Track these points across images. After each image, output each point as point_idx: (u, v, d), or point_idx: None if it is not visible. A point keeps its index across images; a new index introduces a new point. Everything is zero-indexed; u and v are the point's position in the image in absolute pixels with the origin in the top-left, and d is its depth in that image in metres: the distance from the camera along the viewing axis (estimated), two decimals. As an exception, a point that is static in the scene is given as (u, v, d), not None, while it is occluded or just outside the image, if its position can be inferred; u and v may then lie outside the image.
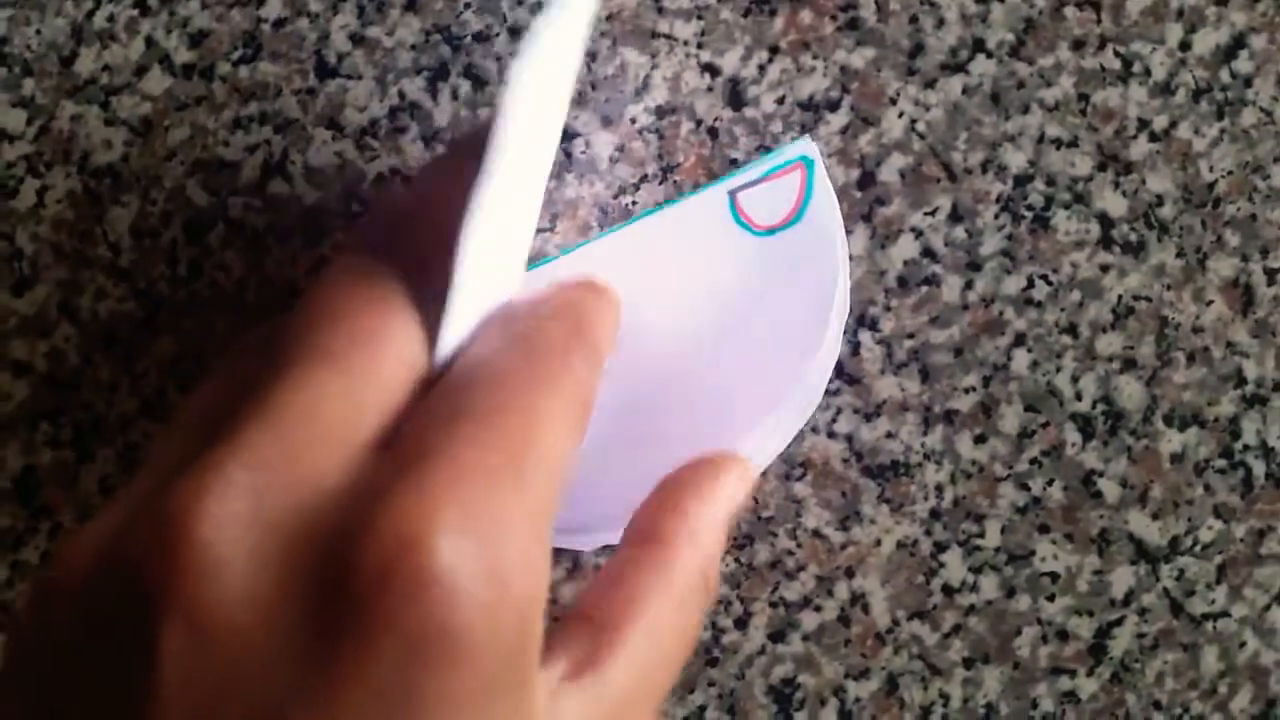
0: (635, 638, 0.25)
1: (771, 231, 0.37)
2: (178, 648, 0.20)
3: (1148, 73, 0.40)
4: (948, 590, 0.40)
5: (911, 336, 0.39)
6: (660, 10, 0.39)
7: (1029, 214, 0.39)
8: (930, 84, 0.39)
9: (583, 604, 0.26)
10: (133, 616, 0.21)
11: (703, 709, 0.40)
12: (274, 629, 0.20)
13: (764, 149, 0.39)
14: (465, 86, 0.39)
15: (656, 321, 0.37)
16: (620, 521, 0.35)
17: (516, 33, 0.39)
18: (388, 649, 0.21)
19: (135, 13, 0.39)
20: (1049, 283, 0.39)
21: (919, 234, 0.39)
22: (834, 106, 0.39)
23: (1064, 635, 0.40)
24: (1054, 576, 0.40)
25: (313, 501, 0.21)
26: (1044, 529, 0.40)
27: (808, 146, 0.37)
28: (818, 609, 0.40)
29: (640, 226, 0.37)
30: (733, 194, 0.37)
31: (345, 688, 0.20)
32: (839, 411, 0.39)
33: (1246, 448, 0.40)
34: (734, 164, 0.39)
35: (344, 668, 0.20)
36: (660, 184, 0.39)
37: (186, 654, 0.20)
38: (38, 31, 0.39)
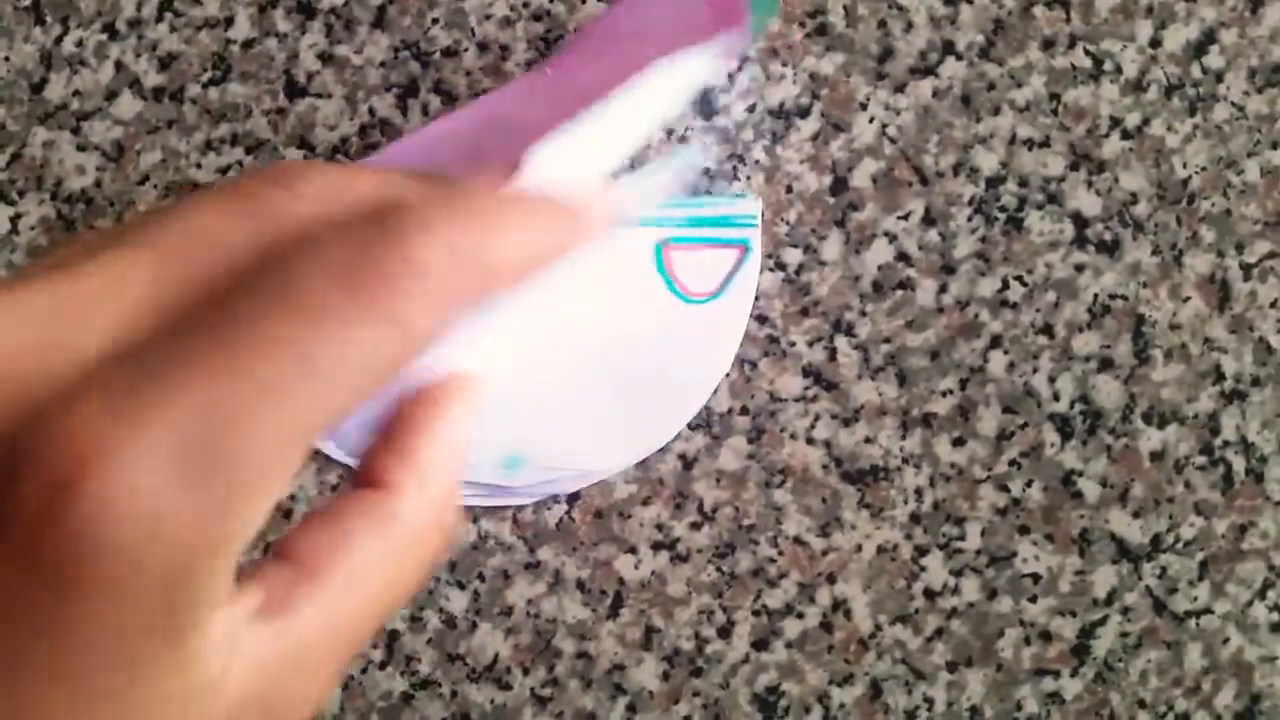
0: (335, 583, 0.23)
1: (694, 299, 0.38)
2: None
3: (1119, 70, 0.39)
4: (929, 594, 0.40)
5: (888, 341, 0.39)
6: (628, 21, 0.39)
7: (1002, 215, 0.39)
8: (900, 88, 0.39)
9: (290, 542, 0.24)
10: None
11: (688, 719, 0.40)
12: None
13: (736, 158, 0.39)
14: (435, 102, 0.39)
15: (556, 332, 0.38)
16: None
17: (485, 47, 0.39)
18: (21, 568, 0.20)
19: (104, 37, 0.39)
20: (1024, 284, 0.39)
21: (892, 238, 0.39)
22: (804, 113, 0.39)
23: (1047, 636, 0.40)
24: (1036, 578, 0.40)
25: (42, 382, 0.20)
26: (1024, 530, 0.40)
27: (752, 230, 0.38)
28: (800, 616, 0.40)
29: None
30: (664, 246, 0.38)
31: None
32: (817, 418, 0.39)
33: (1226, 444, 0.40)
34: (705, 172, 0.39)
35: None
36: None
37: None
38: (6, 58, 0.39)
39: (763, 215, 0.39)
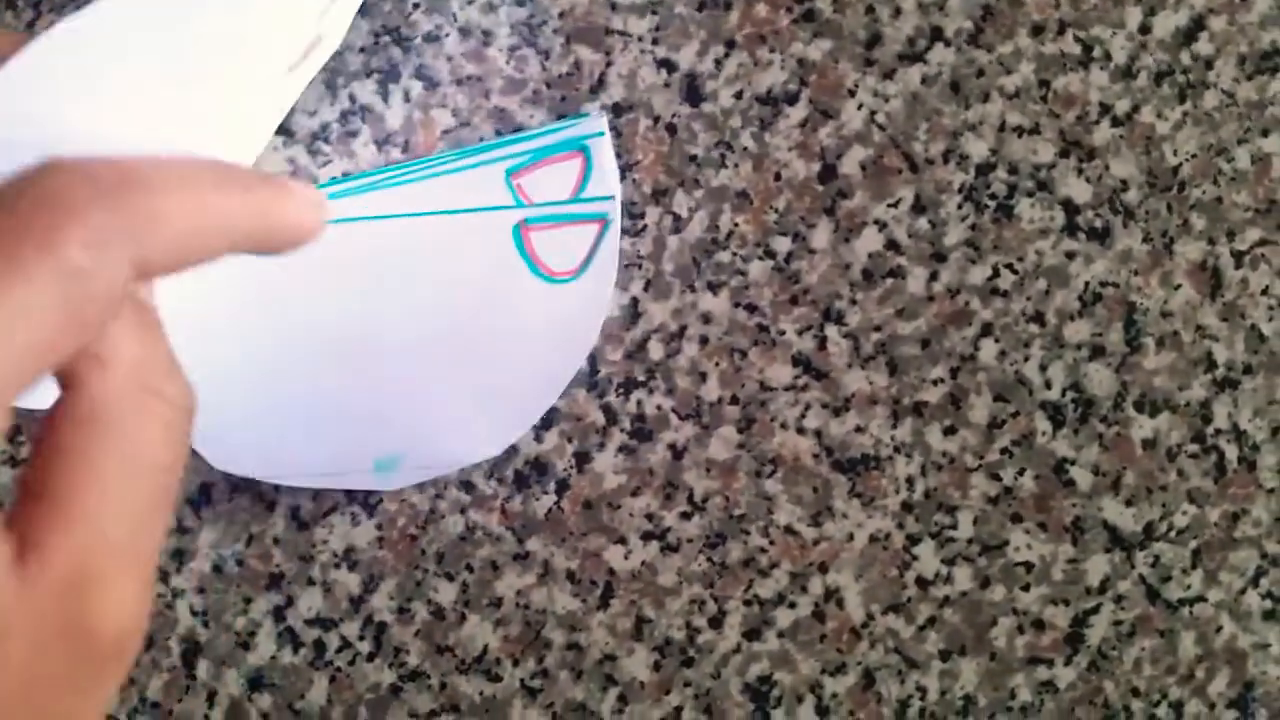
0: (76, 498, 0.23)
1: (558, 279, 0.38)
2: None
3: (1108, 57, 0.39)
4: (922, 583, 0.39)
5: (878, 329, 0.39)
6: (614, 6, 0.39)
7: (992, 203, 0.39)
8: (889, 74, 0.39)
9: (27, 476, 0.23)
10: None
11: (679, 710, 0.39)
12: None
13: (724, 144, 0.39)
14: (417, 88, 0.39)
15: (408, 306, 0.38)
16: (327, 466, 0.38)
17: (467, 32, 0.39)
18: None
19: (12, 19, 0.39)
20: (1014, 271, 0.39)
21: (882, 226, 0.39)
22: (792, 100, 0.39)
23: (1040, 625, 0.39)
24: (1028, 566, 0.39)
25: None
26: (1017, 519, 0.39)
27: (609, 204, 0.38)
28: (792, 606, 0.39)
29: (430, 222, 0.38)
30: (522, 228, 0.38)
31: None
32: (808, 407, 0.39)
33: (1218, 431, 0.40)
34: (692, 160, 0.39)
35: None
36: (620, 181, 0.39)
37: None
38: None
39: (614, 132, 0.39)
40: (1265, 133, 0.39)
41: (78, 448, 0.22)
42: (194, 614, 0.39)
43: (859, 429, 0.39)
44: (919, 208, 0.39)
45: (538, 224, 0.37)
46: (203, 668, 0.39)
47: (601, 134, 0.37)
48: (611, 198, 0.37)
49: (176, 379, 0.23)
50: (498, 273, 0.37)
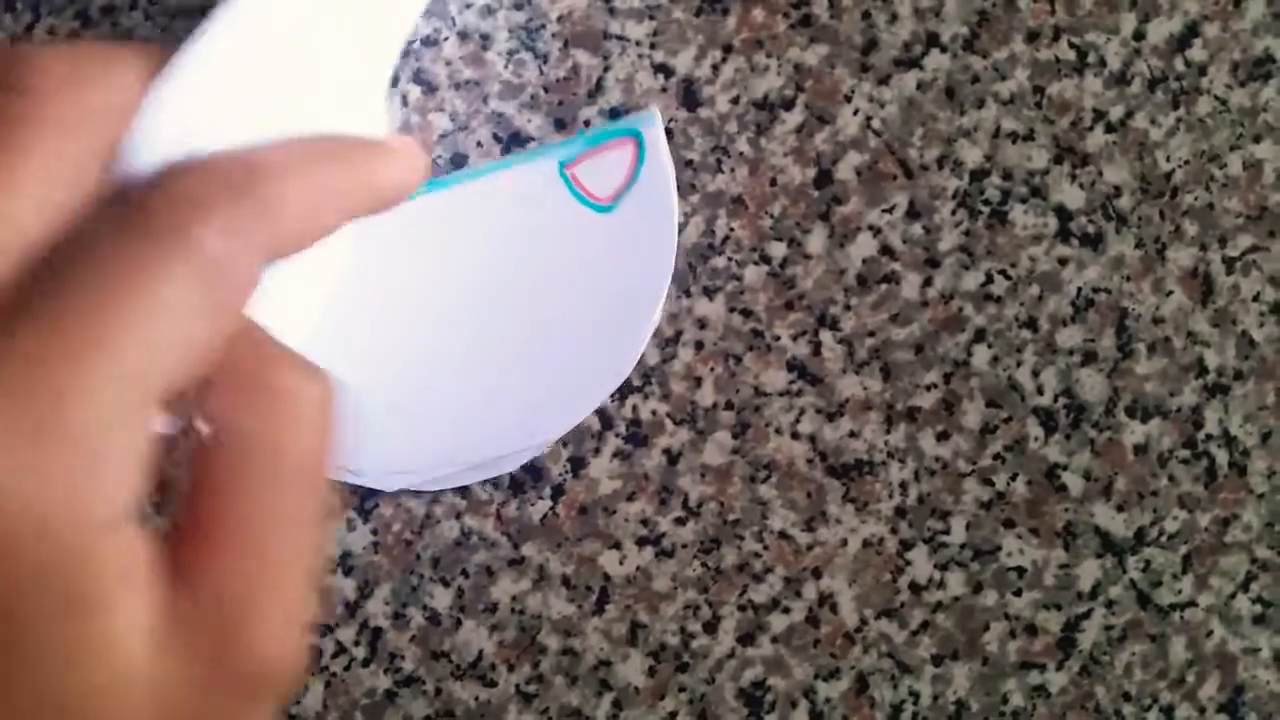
0: (233, 532, 0.23)
1: (606, 206, 0.37)
2: None
3: (1102, 63, 0.39)
4: (915, 588, 0.40)
5: (872, 335, 0.39)
6: (611, 11, 0.39)
7: (986, 209, 0.39)
8: (884, 80, 0.39)
9: (177, 512, 0.23)
10: None
11: (674, 715, 0.39)
12: None
13: (720, 149, 0.39)
14: (415, 92, 0.38)
15: (488, 281, 0.38)
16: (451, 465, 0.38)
17: (466, 37, 0.38)
18: None
19: (77, 24, 0.39)
20: (1008, 277, 0.39)
21: (877, 232, 0.39)
22: (789, 105, 0.39)
23: (1032, 629, 0.40)
24: (1020, 571, 0.40)
25: None
26: (1009, 524, 0.40)
27: (646, 119, 0.37)
28: (786, 611, 0.39)
29: (476, 185, 0.37)
30: (565, 166, 0.37)
31: None
32: (802, 412, 0.39)
33: (1209, 437, 0.40)
34: (688, 164, 0.39)
35: None
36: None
37: None
38: (-21, 49, 0.39)
39: (666, 124, 0.38)
40: (1257, 139, 0.40)
41: (215, 472, 0.22)
42: (187, 620, 0.39)
43: (853, 434, 0.39)
44: (913, 213, 0.39)
45: (577, 158, 0.37)
46: (196, 674, 0.39)
47: (653, 117, 0.37)
48: (653, 117, 0.37)
49: (297, 371, 0.23)
50: (554, 218, 0.37)
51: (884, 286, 0.39)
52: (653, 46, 0.39)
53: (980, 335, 0.39)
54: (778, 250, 0.39)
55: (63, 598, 0.20)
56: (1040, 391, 0.39)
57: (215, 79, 0.24)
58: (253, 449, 0.22)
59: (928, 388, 0.39)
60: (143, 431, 0.21)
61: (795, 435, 0.39)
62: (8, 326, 0.20)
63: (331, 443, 0.23)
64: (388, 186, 0.25)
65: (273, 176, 0.22)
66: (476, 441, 0.38)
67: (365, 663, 0.39)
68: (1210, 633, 0.40)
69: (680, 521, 0.39)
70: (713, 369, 0.39)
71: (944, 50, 0.39)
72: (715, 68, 0.39)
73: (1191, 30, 0.39)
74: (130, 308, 0.20)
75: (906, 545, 0.39)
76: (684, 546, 0.39)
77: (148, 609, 0.21)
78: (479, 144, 0.38)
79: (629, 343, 0.38)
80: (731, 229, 0.39)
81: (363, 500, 0.39)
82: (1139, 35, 0.39)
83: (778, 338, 0.39)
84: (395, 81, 0.39)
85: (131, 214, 0.21)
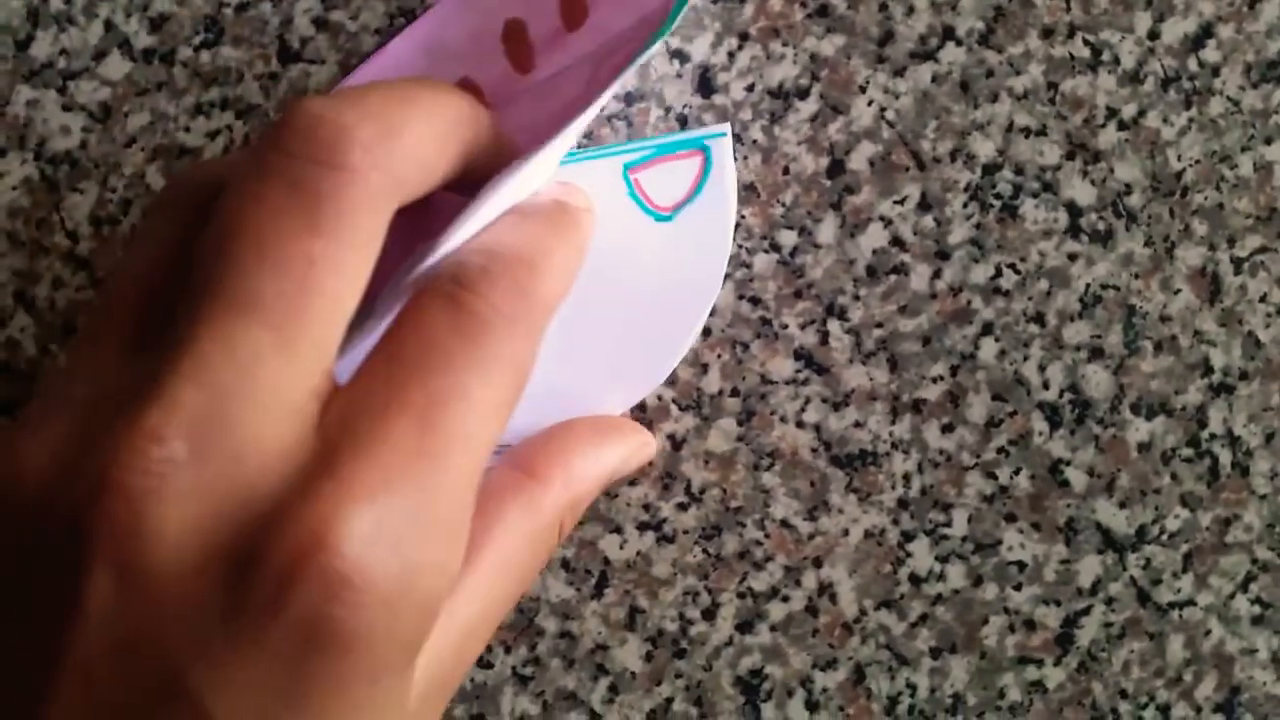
0: (486, 565, 0.26)
1: (666, 215, 0.37)
2: (103, 593, 0.22)
3: (1116, 61, 0.39)
4: (915, 580, 0.40)
5: (880, 325, 0.39)
6: (628, -4, 0.39)
7: (997, 203, 0.39)
8: (900, 72, 0.39)
9: None
10: (68, 553, 0.22)
11: (670, 701, 0.39)
12: (190, 598, 0.22)
13: (734, 137, 0.39)
14: (430, 72, 0.38)
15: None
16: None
17: (482, 18, 0.38)
18: (281, 637, 0.22)
19: (151, 36, 0.39)
20: (1017, 271, 0.39)
21: (888, 223, 0.39)
22: (803, 94, 0.39)
23: (1031, 625, 0.40)
24: (1021, 566, 0.40)
25: (246, 477, 0.22)
26: (1011, 518, 0.40)
27: (717, 135, 0.37)
28: (785, 599, 0.39)
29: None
30: (629, 169, 0.37)
31: (237, 665, 0.22)
32: (807, 401, 0.39)
33: (1213, 437, 0.40)
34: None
35: (241, 646, 0.22)
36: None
37: (110, 600, 0.22)
38: (-7, 14, 0.39)
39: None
40: (1269, 141, 0.40)
41: (511, 528, 0.28)
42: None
43: (858, 424, 0.39)
44: (925, 205, 0.39)
45: (641, 165, 0.37)
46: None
47: (724, 134, 0.37)
48: (724, 134, 0.37)
49: (567, 532, 0.32)
50: (609, 220, 0.37)
51: (893, 277, 0.39)
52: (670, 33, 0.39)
53: (988, 329, 0.39)
54: (788, 238, 0.39)
55: (408, 653, 0.24)
56: (1046, 386, 0.40)
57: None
58: (538, 517, 0.28)
59: (934, 380, 0.39)
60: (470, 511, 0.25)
61: (800, 424, 0.39)
62: (381, 423, 0.23)
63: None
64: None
65: (550, 264, 0.28)
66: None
67: (363, 640, 0.39)
68: (1209, 632, 0.40)
69: (682, 507, 0.39)
70: (719, 356, 0.39)
71: (959, 44, 0.39)
72: (731, 55, 0.39)
73: (1206, 31, 0.40)
74: (469, 403, 0.24)
75: (908, 537, 0.39)
76: (685, 532, 0.39)
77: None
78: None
79: (663, 356, 0.38)
80: (742, 216, 0.39)
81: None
82: (1153, 35, 0.39)
83: (785, 326, 0.39)
84: (410, 59, 0.39)
85: (460, 307, 0.25)
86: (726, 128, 0.37)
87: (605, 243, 0.36)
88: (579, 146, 0.38)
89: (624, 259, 0.37)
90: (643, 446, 0.31)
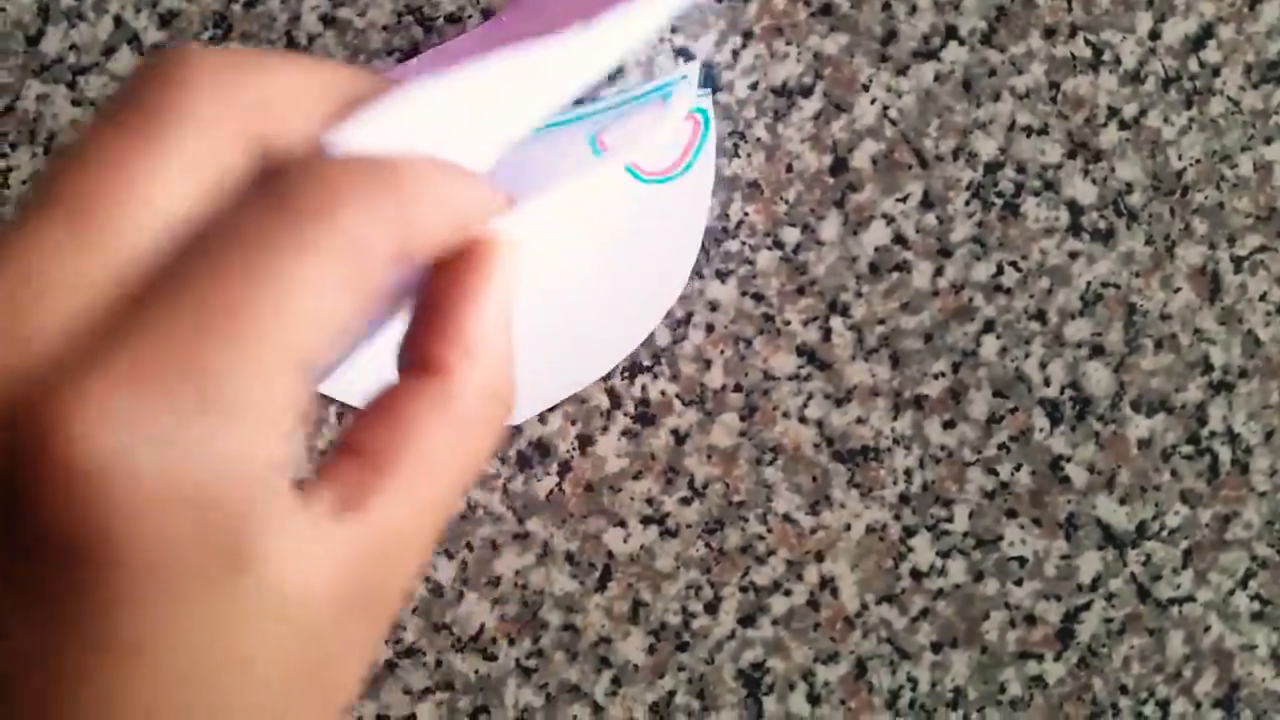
0: (405, 472, 0.24)
1: (656, 179, 0.37)
2: None
3: (1118, 61, 0.40)
4: (916, 574, 0.40)
5: (882, 322, 0.40)
6: (633, -6, 0.39)
7: (999, 201, 0.40)
8: (903, 71, 0.39)
9: (353, 436, 0.24)
10: None
11: (672, 694, 0.40)
12: None
13: (737, 134, 0.39)
14: (437, 69, 0.39)
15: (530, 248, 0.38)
16: None
17: (489, 14, 0.39)
18: (39, 552, 0.20)
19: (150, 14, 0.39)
20: (1018, 269, 0.40)
21: (890, 220, 0.40)
22: (807, 92, 0.39)
23: (1032, 619, 0.40)
24: (1022, 561, 0.40)
25: (26, 366, 0.21)
26: (1012, 514, 0.40)
27: (695, 93, 0.37)
28: (787, 593, 0.40)
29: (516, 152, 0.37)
30: (597, 135, 0.37)
31: (9, 593, 0.20)
32: (810, 397, 0.39)
33: (1213, 434, 0.40)
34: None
35: (8, 569, 0.20)
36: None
37: None
38: (3, 10, 0.39)
39: (710, 83, 0.38)
40: (1268, 140, 0.40)
41: (421, 424, 0.24)
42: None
43: (860, 420, 0.40)
44: (927, 203, 0.40)
45: (606, 125, 0.37)
46: (199, 637, 0.39)
47: (685, 76, 0.37)
48: (685, 77, 0.37)
49: (513, 385, 0.25)
50: (585, 186, 0.37)
51: (895, 275, 0.40)
52: (674, 30, 0.39)
53: (989, 326, 0.40)
54: (791, 236, 0.39)
55: (225, 555, 0.21)
56: (1047, 383, 0.40)
57: (401, 129, 0.25)
58: (463, 430, 0.24)
59: (936, 376, 0.40)
60: (294, 399, 0.22)
61: (803, 419, 0.40)
62: (154, 306, 0.21)
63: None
64: (487, 214, 0.26)
65: (411, 177, 0.24)
66: None
67: (368, 632, 0.39)
68: (1208, 628, 0.40)
69: (685, 501, 0.40)
70: (723, 351, 0.39)
71: (962, 43, 0.40)
72: (735, 53, 0.39)
73: (1207, 31, 0.40)
74: (277, 281, 0.21)
75: (909, 532, 0.40)
76: (688, 526, 0.40)
77: (307, 555, 0.22)
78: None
79: (640, 320, 0.38)
80: (746, 213, 0.39)
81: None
82: (1154, 35, 0.40)
83: (788, 322, 0.39)
84: (418, 56, 0.39)
85: (279, 195, 0.22)
86: (693, 69, 0.37)
87: (589, 209, 0.36)
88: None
89: (606, 223, 0.37)
90: (510, 257, 0.27)
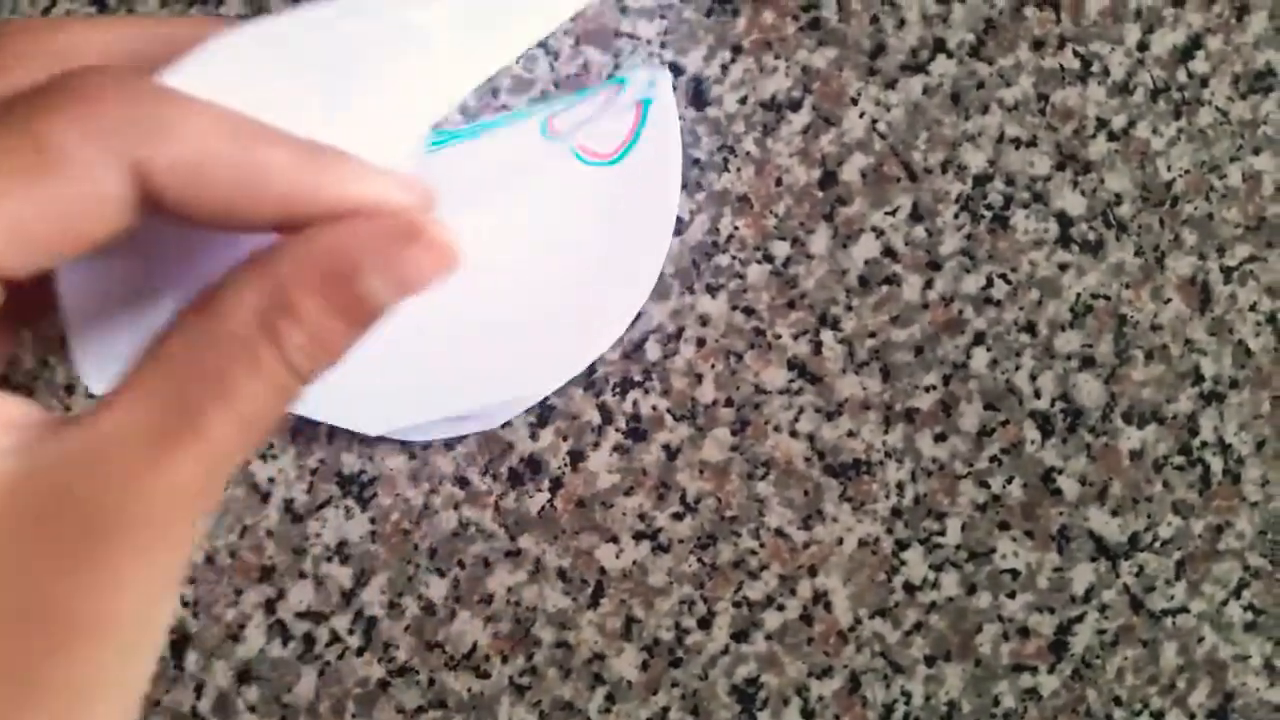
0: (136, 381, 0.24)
1: (605, 161, 0.37)
2: None
3: (1106, 73, 0.40)
4: (909, 588, 0.40)
5: (873, 335, 0.40)
6: (623, 9, 0.39)
7: (988, 213, 0.40)
8: (891, 84, 0.39)
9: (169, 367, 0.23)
10: None
11: (666, 710, 0.40)
12: None
13: (727, 149, 0.39)
14: (425, 86, 0.39)
15: (487, 240, 0.37)
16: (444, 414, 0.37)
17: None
18: None
19: (93, 10, 0.39)
20: (1008, 281, 0.40)
21: (880, 233, 0.39)
22: (796, 106, 0.39)
23: (1025, 632, 0.40)
24: (1014, 574, 0.40)
25: None
26: (1004, 526, 0.40)
27: (651, 85, 0.37)
28: (780, 608, 0.40)
29: (465, 146, 0.37)
30: (549, 120, 0.37)
31: None
32: (801, 410, 0.39)
33: (1204, 444, 0.40)
34: (695, 163, 0.39)
35: None
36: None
37: None
38: (-10, 29, 0.39)
39: (670, 66, 0.38)
40: (1257, 151, 0.40)
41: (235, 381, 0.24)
42: (184, 604, 0.39)
43: (851, 434, 0.40)
44: (916, 216, 0.40)
45: (558, 111, 0.37)
46: (191, 659, 0.39)
47: (637, 68, 0.37)
48: (650, 78, 0.37)
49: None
50: (549, 173, 0.36)
51: (885, 288, 0.40)
52: (663, 45, 0.39)
53: (980, 338, 0.40)
54: (781, 250, 0.39)
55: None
56: (1038, 395, 0.40)
57: (246, 66, 0.24)
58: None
59: (926, 389, 0.40)
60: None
61: (794, 434, 0.39)
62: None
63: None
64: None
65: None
66: (461, 393, 0.38)
67: (359, 651, 0.39)
68: (1202, 639, 0.40)
69: (678, 517, 0.39)
70: (714, 366, 0.39)
71: (950, 56, 0.40)
72: (724, 68, 0.39)
73: (1194, 42, 0.40)
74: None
75: (902, 545, 0.40)
76: (680, 542, 0.39)
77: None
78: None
79: (622, 305, 0.38)
80: (736, 227, 0.39)
81: (361, 490, 0.39)
82: (1143, 46, 0.40)
83: (779, 336, 0.39)
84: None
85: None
86: (666, 72, 0.37)
87: (551, 198, 0.36)
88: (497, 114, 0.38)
89: (573, 211, 0.37)
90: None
